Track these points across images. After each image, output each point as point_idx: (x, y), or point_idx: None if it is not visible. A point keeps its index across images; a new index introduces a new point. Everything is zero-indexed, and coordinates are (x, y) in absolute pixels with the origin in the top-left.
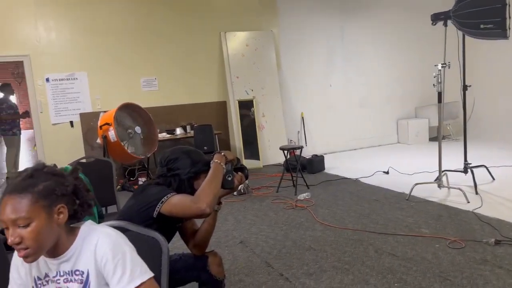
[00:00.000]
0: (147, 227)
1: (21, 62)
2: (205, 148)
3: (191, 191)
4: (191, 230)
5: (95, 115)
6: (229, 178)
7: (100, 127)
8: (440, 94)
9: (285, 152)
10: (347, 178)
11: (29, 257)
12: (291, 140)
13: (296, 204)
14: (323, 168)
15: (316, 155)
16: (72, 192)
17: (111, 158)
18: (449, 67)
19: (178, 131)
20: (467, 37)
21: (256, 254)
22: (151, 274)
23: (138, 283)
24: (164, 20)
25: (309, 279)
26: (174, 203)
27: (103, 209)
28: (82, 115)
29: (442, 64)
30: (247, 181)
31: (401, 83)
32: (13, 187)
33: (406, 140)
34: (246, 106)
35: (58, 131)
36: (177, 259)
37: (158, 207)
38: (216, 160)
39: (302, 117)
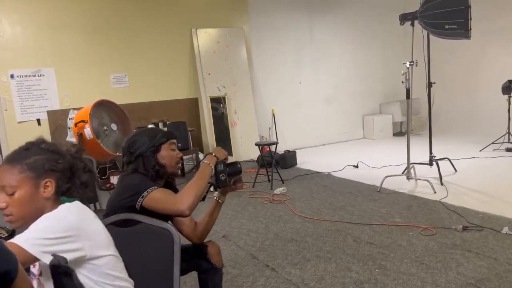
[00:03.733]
0: None
1: None
2: (179, 145)
3: (158, 166)
4: (189, 223)
5: (63, 112)
6: (223, 178)
7: (75, 124)
8: (408, 91)
9: (260, 147)
10: (319, 172)
11: (13, 223)
12: (262, 136)
13: (273, 198)
14: (296, 163)
15: (288, 151)
16: (69, 170)
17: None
18: (416, 65)
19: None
20: (430, 37)
21: (240, 247)
22: (32, 249)
23: (15, 241)
24: (134, 15)
25: (295, 269)
26: (155, 199)
27: (91, 205)
28: (50, 113)
29: (410, 62)
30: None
31: (366, 81)
32: (8, 157)
33: (371, 135)
34: (218, 103)
35: (25, 130)
36: None
37: (139, 202)
38: (206, 161)
39: (273, 114)
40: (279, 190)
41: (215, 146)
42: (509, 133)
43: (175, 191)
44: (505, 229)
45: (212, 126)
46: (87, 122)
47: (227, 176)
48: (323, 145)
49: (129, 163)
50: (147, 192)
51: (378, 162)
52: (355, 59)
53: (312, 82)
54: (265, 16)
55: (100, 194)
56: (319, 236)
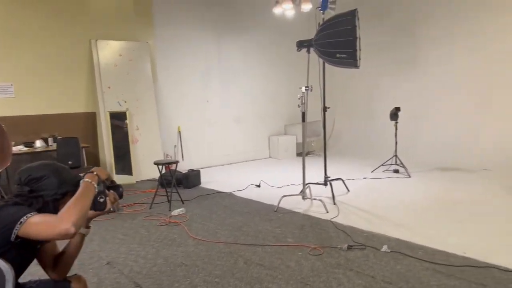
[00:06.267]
0: (4, 253)
1: None
2: (69, 162)
3: (55, 212)
4: (51, 254)
5: None
6: (101, 200)
7: None
8: (303, 114)
9: (160, 167)
10: (222, 192)
11: None
12: (167, 155)
13: (170, 220)
14: (199, 183)
15: (192, 170)
16: None
17: None
18: (311, 90)
19: (38, 143)
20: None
21: (124, 274)
22: None
23: None
24: (25, 20)
25: None
26: (35, 222)
27: None
28: None
29: (305, 87)
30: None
31: (273, 102)
32: None
33: (277, 155)
34: (118, 118)
35: None
36: (32, 287)
37: (16, 229)
38: (87, 179)
39: (179, 131)
40: (177, 212)
41: (113, 164)
42: (396, 155)
43: None
44: (385, 247)
45: (111, 143)
46: None
47: (106, 199)
48: (230, 164)
49: (21, 196)
50: (25, 217)
51: (280, 181)
52: (262, 80)
53: (220, 101)
54: (172, 32)
55: None
56: (210, 259)
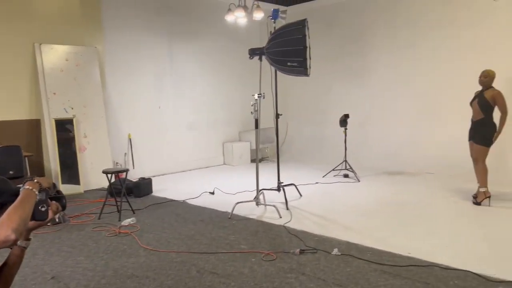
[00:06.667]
0: None
1: None
2: (10, 172)
3: None
4: None
5: None
6: (43, 209)
7: None
8: (256, 121)
9: (109, 175)
10: (174, 200)
11: None
12: (117, 163)
13: (120, 231)
14: (151, 191)
15: (143, 178)
16: None
17: None
18: (264, 97)
19: None
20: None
21: None
22: None
23: None
24: None
25: None
26: None
27: None
28: None
29: (258, 94)
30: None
31: (227, 109)
32: None
33: (231, 161)
34: (64, 126)
35: None
36: None
37: None
38: (28, 187)
39: (130, 139)
40: (127, 221)
41: (59, 173)
42: (346, 161)
43: None
44: (335, 251)
45: (56, 151)
46: None
47: (48, 208)
48: (183, 171)
49: None
50: None
51: (234, 188)
52: (216, 87)
53: (173, 107)
54: (122, 37)
55: None
56: (162, 269)
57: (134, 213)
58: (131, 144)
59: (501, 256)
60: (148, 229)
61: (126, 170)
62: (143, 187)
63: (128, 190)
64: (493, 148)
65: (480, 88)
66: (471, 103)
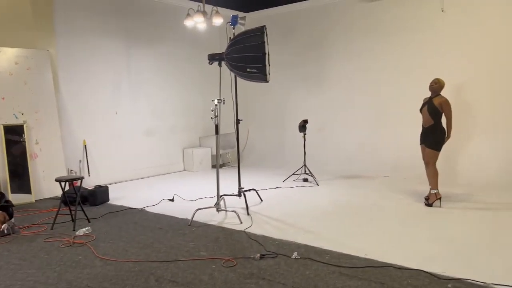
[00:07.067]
0: None
1: None
2: None
3: None
4: None
5: None
6: None
7: None
8: (217, 127)
9: (62, 183)
10: (132, 208)
11: None
12: (71, 170)
13: (74, 241)
14: (107, 199)
15: (99, 186)
16: None
17: None
18: (224, 103)
19: None
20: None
21: None
22: None
23: None
24: None
25: None
26: None
27: None
28: None
29: (218, 99)
30: (12, 220)
31: (187, 114)
32: None
33: (191, 167)
34: (14, 132)
35: None
36: None
37: None
38: None
39: (85, 145)
40: (82, 231)
41: (8, 182)
42: (305, 165)
43: None
44: (295, 254)
45: (5, 159)
46: None
47: None
48: (142, 178)
49: None
50: None
51: (194, 194)
52: (176, 92)
53: (130, 113)
54: (77, 41)
55: None
56: (119, 279)
57: (89, 222)
58: (86, 150)
59: (451, 255)
60: (104, 238)
61: (81, 178)
62: (99, 195)
63: (83, 199)
64: (442, 152)
65: (428, 94)
66: (420, 110)
